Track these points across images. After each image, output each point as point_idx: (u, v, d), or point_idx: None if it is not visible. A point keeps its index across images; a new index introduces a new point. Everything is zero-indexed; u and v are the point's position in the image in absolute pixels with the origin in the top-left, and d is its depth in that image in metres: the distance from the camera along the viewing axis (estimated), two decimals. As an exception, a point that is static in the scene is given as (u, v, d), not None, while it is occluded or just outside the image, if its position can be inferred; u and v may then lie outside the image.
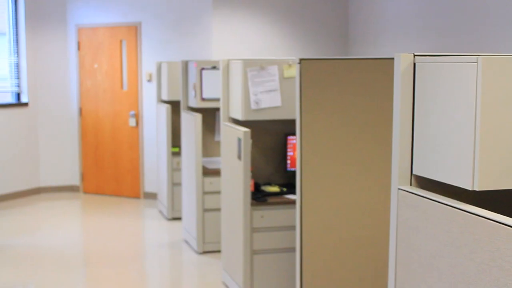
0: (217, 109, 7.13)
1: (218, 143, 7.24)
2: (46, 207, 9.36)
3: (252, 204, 5.29)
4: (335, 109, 4.19)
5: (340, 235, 4.25)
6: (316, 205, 4.21)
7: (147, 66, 9.44)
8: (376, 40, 8.88)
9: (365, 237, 4.27)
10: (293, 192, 5.47)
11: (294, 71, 5.43)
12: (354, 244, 4.27)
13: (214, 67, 7.03)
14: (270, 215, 5.34)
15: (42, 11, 9.85)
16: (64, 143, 10.09)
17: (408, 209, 2.50)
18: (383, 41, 8.69)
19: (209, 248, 6.87)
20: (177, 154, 8.19)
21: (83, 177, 10.08)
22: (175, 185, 8.21)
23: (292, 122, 5.48)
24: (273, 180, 5.88)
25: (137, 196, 9.69)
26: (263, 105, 5.46)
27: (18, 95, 9.85)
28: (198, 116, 6.79)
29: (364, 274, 4.31)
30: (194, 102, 7.12)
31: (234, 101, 5.66)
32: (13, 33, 9.70)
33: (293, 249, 5.16)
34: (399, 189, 2.57)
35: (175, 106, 8.23)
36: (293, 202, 5.26)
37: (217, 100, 6.71)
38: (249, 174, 5.24)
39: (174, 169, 8.21)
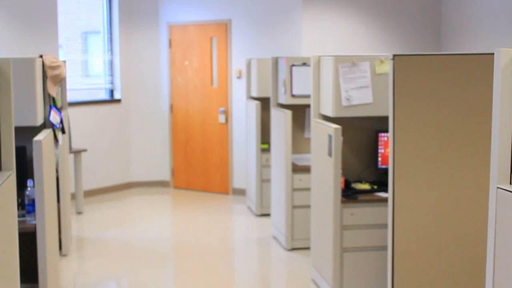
0: (307, 106, 7.10)
1: (308, 139, 7.22)
2: (137, 202, 9.56)
3: (342, 202, 5.25)
4: (429, 106, 4.10)
5: (433, 234, 4.17)
6: (409, 203, 4.14)
7: (237, 63, 9.51)
8: (469, 35, 8.66)
9: (460, 236, 4.17)
10: (384, 190, 5.39)
11: (386, 67, 5.36)
12: (448, 244, 4.18)
13: (304, 64, 7.01)
14: (361, 212, 5.28)
15: (135, 10, 10.07)
16: (155, 139, 10.28)
17: (508, 208, 2.43)
18: (476, 37, 8.47)
19: (297, 245, 6.86)
20: (266, 150, 8.21)
21: (173, 172, 10.24)
22: (264, 181, 8.24)
23: (384, 119, 5.39)
24: (363, 178, 5.82)
25: (225, 192, 9.78)
26: (354, 101, 5.41)
27: (112, 92, 10.10)
28: (288, 113, 6.79)
29: (458, 274, 4.21)
30: (284, 99, 7.12)
31: (325, 97, 5.63)
32: (107, 32, 9.95)
33: (383, 248, 5.09)
34: (498, 188, 2.50)
35: (264, 103, 8.25)
36: (384, 200, 5.19)
37: (307, 96, 6.68)
38: (339, 171, 5.20)
39: (263, 166, 8.23)
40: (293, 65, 7.04)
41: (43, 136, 4.84)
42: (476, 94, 4.09)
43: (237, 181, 9.66)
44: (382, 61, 5.39)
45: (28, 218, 4.94)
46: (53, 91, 5.76)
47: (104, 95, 10.11)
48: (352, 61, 5.39)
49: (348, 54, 5.74)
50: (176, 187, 10.23)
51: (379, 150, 5.68)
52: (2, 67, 3.17)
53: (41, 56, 5.65)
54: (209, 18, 9.71)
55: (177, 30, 9.99)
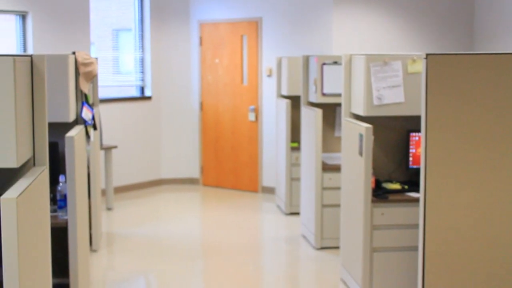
0: (337, 105, 7.08)
1: (338, 138, 7.19)
2: (166, 199, 9.61)
3: (372, 201, 5.22)
4: (462, 105, 4.06)
5: (466, 235, 4.12)
6: (441, 204, 4.10)
7: (267, 61, 9.50)
8: (502, 35, 8.56)
9: (493, 238, 4.12)
10: (415, 190, 5.35)
11: (418, 67, 5.32)
12: (481, 245, 4.13)
13: (335, 62, 6.98)
14: (391, 212, 5.25)
15: (167, 8, 10.11)
16: (185, 136, 10.31)
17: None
18: (509, 36, 8.37)
19: (327, 244, 6.84)
20: (296, 149, 8.20)
21: (202, 170, 10.27)
22: (293, 180, 8.23)
23: (415, 118, 5.34)
24: (394, 177, 5.78)
25: (255, 190, 9.78)
26: (386, 101, 5.37)
27: (142, 89, 10.16)
28: (319, 112, 6.77)
29: (491, 277, 4.16)
30: (315, 97, 7.10)
31: (356, 96, 5.60)
32: (138, 29, 10.01)
33: (414, 248, 5.05)
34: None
35: (294, 101, 8.24)
36: (415, 200, 5.15)
37: (338, 95, 6.66)
38: (370, 170, 5.17)
39: (293, 164, 8.22)
40: (324, 64, 7.02)
41: (75, 132, 4.88)
42: (510, 94, 4.05)
43: (267, 179, 9.66)
44: (414, 60, 5.35)
45: (59, 213, 4.98)
46: (85, 87, 5.81)
47: (135, 92, 10.17)
48: (384, 60, 5.36)
49: (380, 53, 5.71)
50: (205, 184, 10.26)
51: (410, 150, 5.64)
52: (36, 64, 3.20)
53: (73, 53, 5.70)
54: (240, 16, 9.72)
55: (208, 28, 10.01)
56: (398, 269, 5.29)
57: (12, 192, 2.73)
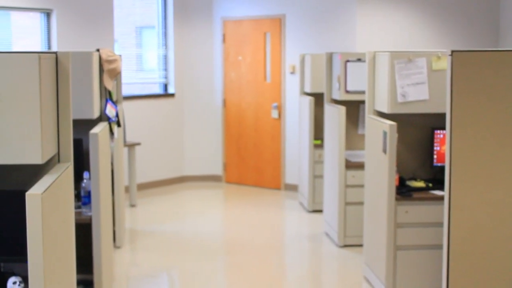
0: (361, 102, 7.05)
1: (361, 136, 7.16)
2: (189, 196, 9.63)
3: (396, 199, 5.20)
4: (488, 103, 4.02)
5: (491, 234, 4.08)
6: (466, 202, 4.06)
7: (291, 58, 9.49)
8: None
9: (518, 237, 4.08)
10: (439, 188, 5.32)
11: (443, 64, 5.27)
12: (506, 244, 4.09)
13: (359, 59, 6.95)
14: (415, 210, 5.22)
15: (190, 5, 10.12)
16: (208, 134, 10.33)
17: None
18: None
19: (350, 242, 6.82)
20: (319, 146, 8.18)
21: (225, 167, 10.28)
22: (316, 177, 8.20)
23: (440, 116, 5.30)
24: (418, 175, 5.74)
25: (277, 188, 9.77)
26: (410, 98, 5.34)
27: (165, 86, 10.18)
28: (342, 109, 6.75)
29: (516, 275, 4.12)
30: (338, 95, 7.08)
31: (380, 93, 5.57)
32: (161, 26, 10.03)
33: (438, 246, 5.02)
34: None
35: (318, 98, 8.21)
36: (440, 198, 5.11)
37: (362, 92, 6.62)
38: (394, 168, 5.14)
39: (316, 162, 8.20)
40: (347, 61, 6.99)
41: (99, 129, 4.90)
42: (538, 92, 4.00)
43: (289, 177, 9.65)
44: (439, 57, 5.31)
45: (83, 210, 5.01)
46: (109, 84, 5.83)
47: (158, 90, 10.20)
48: (408, 57, 5.32)
49: (404, 50, 5.67)
50: (228, 181, 10.27)
51: (435, 148, 5.60)
52: (61, 61, 3.21)
53: (98, 50, 5.72)
54: (263, 13, 9.71)
55: (231, 25, 10.01)
56: (422, 268, 5.26)
57: (37, 188, 2.75)
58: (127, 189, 8.59)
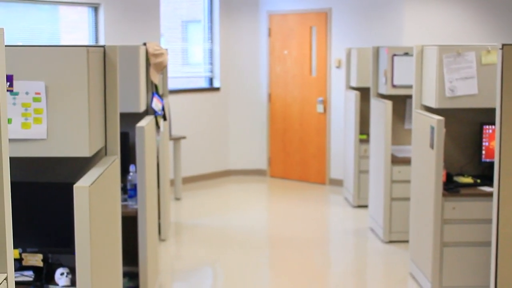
0: (408, 96, 6.97)
1: (408, 131, 7.08)
2: (234, 190, 9.65)
3: (443, 195, 5.13)
4: (539, 98, 3.93)
5: (541, 232, 4.00)
6: (516, 199, 3.99)
7: (336, 52, 9.43)
8: None
9: None
10: (488, 184, 5.23)
11: (493, 57, 5.18)
12: (557, 242, 4.00)
13: (406, 53, 6.87)
14: (463, 207, 5.14)
15: (236, -1, 10.14)
16: (253, 128, 10.33)
17: None
18: None
19: (395, 238, 6.75)
20: (364, 141, 8.11)
21: (270, 161, 10.27)
22: (361, 172, 8.14)
23: (489, 111, 5.21)
24: (465, 171, 5.66)
25: (322, 182, 9.74)
26: (459, 92, 5.26)
27: (211, 80, 10.21)
28: (389, 103, 6.68)
29: None
30: (384, 89, 7.01)
31: (428, 88, 5.50)
32: (207, 20, 10.06)
33: (486, 243, 4.94)
34: None
35: (363, 93, 8.15)
36: (488, 195, 5.03)
37: (409, 87, 6.54)
38: (441, 163, 5.07)
39: (361, 157, 8.14)
40: (394, 55, 6.92)
41: (146, 123, 4.93)
42: None
43: (334, 172, 9.60)
44: (489, 51, 5.21)
45: (129, 203, 5.05)
46: (155, 78, 5.86)
47: (204, 84, 10.23)
48: (457, 51, 5.24)
49: (453, 44, 5.58)
50: (272, 176, 10.26)
51: (483, 143, 5.51)
52: (109, 55, 3.24)
53: (144, 44, 5.75)
54: (309, 7, 9.66)
55: (277, 19, 9.99)
56: (469, 265, 5.19)
57: (85, 180, 2.77)
58: (172, 183, 8.65)
